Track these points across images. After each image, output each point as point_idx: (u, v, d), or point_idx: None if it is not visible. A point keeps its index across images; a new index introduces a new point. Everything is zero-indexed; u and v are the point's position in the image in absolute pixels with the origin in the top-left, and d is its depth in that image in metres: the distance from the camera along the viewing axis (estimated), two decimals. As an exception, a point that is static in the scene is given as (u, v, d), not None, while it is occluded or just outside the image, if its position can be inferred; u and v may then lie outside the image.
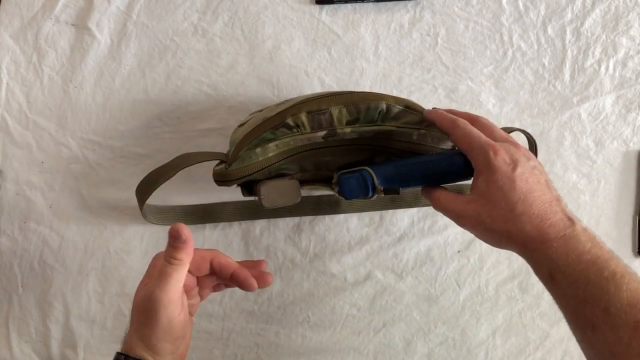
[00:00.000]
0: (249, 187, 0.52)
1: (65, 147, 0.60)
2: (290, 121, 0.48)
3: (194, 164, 0.49)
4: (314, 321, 0.61)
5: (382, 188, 0.46)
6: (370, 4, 0.61)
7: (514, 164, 0.41)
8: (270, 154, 0.48)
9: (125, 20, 0.60)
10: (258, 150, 0.48)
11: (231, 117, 0.60)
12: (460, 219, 0.44)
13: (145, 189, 0.49)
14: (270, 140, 0.48)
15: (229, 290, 0.60)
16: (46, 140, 0.60)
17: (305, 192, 0.61)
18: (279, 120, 0.48)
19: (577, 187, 0.62)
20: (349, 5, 0.61)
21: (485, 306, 0.62)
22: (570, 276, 0.38)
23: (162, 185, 0.60)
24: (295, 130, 0.48)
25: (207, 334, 0.60)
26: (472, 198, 0.43)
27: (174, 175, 0.48)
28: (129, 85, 0.60)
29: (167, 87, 0.60)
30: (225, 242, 0.61)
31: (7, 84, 0.60)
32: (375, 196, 0.47)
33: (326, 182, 0.52)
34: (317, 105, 0.48)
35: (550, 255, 0.39)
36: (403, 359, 0.61)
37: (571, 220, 0.40)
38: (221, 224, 0.61)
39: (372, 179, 0.47)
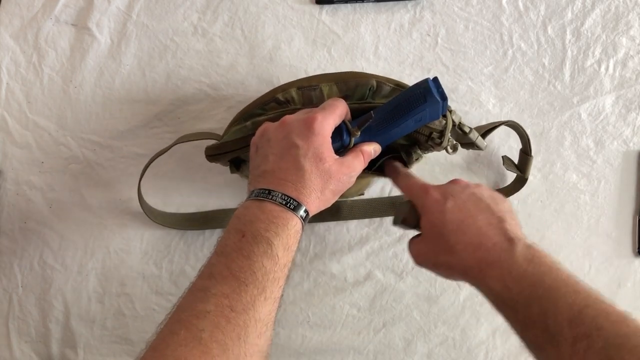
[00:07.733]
0: (237, 164, 0.52)
1: (65, 147, 0.60)
2: (280, 96, 0.48)
3: (190, 141, 0.54)
4: (314, 321, 0.61)
5: (356, 127, 0.44)
6: (370, 4, 0.61)
7: (445, 198, 0.43)
8: None
9: (125, 20, 0.60)
10: (248, 124, 0.49)
11: (231, 117, 0.59)
12: (414, 258, 0.46)
13: (146, 165, 0.54)
14: (260, 115, 0.49)
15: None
16: (46, 140, 0.60)
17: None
18: (269, 96, 0.49)
19: (577, 187, 0.62)
20: (349, 5, 0.61)
21: (485, 306, 0.61)
22: (510, 301, 0.38)
23: (163, 186, 0.61)
24: (285, 105, 0.48)
25: (207, 334, 0.60)
26: (420, 239, 0.45)
27: (170, 148, 0.54)
28: (129, 85, 0.60)
29: (167, 87, 0.60)
30: (225, 242, 0.60)
31: (7, 84, 0.60)
32: (353, 141, 0.45)
33: None
34: (307, 82, 0.48)
35: (488, 284, 0.40)
36: (403, 359, 0.61)
37: (510, 241, 0.40)
38: (221, 224, 0.61)
39: (346, 125, 0.44)
